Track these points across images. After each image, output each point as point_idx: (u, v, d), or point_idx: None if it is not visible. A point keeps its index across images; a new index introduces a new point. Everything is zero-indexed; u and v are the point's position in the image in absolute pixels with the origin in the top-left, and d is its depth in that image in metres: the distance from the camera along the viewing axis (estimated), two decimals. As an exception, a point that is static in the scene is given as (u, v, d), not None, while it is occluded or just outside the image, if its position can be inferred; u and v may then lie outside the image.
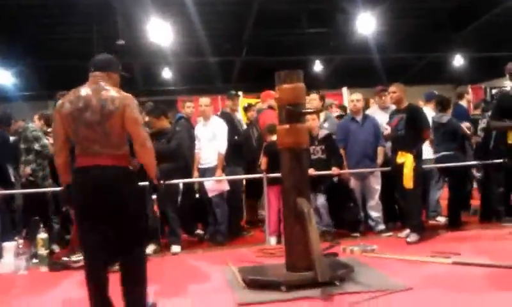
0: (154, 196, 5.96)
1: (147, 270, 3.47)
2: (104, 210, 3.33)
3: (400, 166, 6.03)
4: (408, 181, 5.96)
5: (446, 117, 6.81)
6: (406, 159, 6.00)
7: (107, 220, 3.35)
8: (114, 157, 3.34)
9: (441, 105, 6.92)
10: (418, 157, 6.07)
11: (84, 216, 3.43)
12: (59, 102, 3.48)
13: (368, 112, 7.36)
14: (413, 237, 5.86)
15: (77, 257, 5.47)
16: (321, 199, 6.44)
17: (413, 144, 6.06)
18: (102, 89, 3.39)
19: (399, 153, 6.09)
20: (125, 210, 3.36)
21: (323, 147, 6.50)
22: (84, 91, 3.40)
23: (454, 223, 6.51)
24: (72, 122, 3.34)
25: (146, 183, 3.63)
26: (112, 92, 3.39)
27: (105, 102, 3.32)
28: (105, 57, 3.63)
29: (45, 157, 6.30)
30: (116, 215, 3.35)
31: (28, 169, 6.25)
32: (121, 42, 13.32)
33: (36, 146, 6.24)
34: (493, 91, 7.16)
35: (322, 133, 6.58)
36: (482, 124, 7.00)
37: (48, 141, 6.31)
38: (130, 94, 3.45)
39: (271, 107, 7.44)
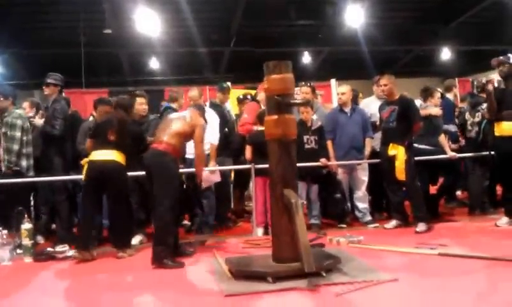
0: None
1: (167, 225, 4.87)
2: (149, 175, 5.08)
3: (392, 158, 6.06)
4: (400, 174, 6.00)
5: (429, 108, 6.82)
6: (397, 151, 6.03)
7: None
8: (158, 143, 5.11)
9: (424, 94, 6.97)
10: (409, 148, 6.09)
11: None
12: None
13: (365, 101, 7.40)
14: (422, 227, 5.91)
15: (62, 247, 5.44)
16: (315, 189, 6.45)
17: (404, 136, 6.08)
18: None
19: (390, 145, 6.11)
20: (157, 178, 4.95)
21: (316, 137, 6.50)
22: None
23: (432, 214, 6.53)
24: None
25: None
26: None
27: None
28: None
29: (10, 149, 5.97)
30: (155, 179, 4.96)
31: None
32: (108, 31, 13.20)
33: (8, 133, 6.04)
34: (475, 83, 7.14)
35: (316, 123, 6.58)
36: (476, 118, 6.95)
37: (19, 134, 6.02)
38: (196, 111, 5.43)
39: (254, 99, 7.42)
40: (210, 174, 6.32)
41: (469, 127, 7.01)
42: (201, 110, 5.63)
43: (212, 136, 6.40)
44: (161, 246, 4.80)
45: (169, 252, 4.83)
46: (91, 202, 5.42)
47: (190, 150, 6.51)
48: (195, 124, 5.20)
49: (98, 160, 5.35)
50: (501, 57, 6.07)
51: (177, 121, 5.25)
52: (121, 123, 5.53)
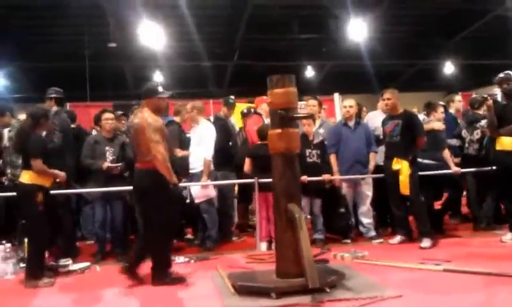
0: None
1: (161, 247, 4.71)
2: (136, 198, 4.98)
3: (396, 173, 6.04)
4: (405, 188, 5.97)
5: (432, 122, 6.82)
6: (401, 166, 6.01)
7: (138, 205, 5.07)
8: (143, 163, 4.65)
9: (427, 109, 6.97)
10: (413, 163, 6.07)
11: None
12: None
13: (370, 115, 7.40)
14: (427, 242, 5.86)
15: (65, 261, 5.42)
16: (318, 204, 6.43)
17: (408, 150, 6.06)
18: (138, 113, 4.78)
19: (394, 159, 6.09)
20: (144, 199, 4.69)
21: (318, 152, 6.48)
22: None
23: (436, 229, 6.48)
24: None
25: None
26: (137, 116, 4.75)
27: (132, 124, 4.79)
28: (144, 87, 4.86)
29: (15, 163, 5.98)
30: (140, 202, 4.87)
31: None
32: (112, 45, 13.28)
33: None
34: (472, 99, 7.10)
35: (318, 137, 6.57)
36: (476, 135, 6.91)
37: None
38: (146, 117, 4.59)
39: (256, 112, 7.43)
40: (203, 189, 6.27)
41: (466, 144, 6.97)
42: (153, 94, 4.81)
43: (206, 151, 6.36)
44: (159, 266, 4.69)
45: (168, 271, 4.74)
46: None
47: (193, 165, 6.51)
48: (141, 126, 4.59)
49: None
50: (502, 75, 6.06)
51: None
52: (20, 135, 5.05)
